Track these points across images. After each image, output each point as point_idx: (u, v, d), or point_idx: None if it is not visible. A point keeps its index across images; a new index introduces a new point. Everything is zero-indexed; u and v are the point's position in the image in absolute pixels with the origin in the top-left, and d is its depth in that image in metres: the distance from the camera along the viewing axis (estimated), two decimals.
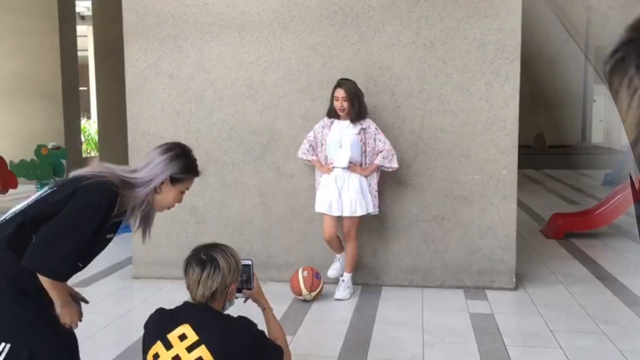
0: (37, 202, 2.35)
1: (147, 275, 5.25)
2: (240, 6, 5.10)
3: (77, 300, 2.57)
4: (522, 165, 15.06)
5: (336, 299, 4.72)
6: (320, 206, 4.73)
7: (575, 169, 14.42)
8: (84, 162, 14.40)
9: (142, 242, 2.58)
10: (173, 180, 2.43)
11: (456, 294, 4.86)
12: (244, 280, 2.63)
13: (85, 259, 2.32)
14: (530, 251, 6.21)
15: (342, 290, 4.78)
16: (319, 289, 4.68)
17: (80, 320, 2.53)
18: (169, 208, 2.52)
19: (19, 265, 2.22)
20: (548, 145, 16.62)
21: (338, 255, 4.84)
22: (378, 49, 4.98)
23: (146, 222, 2.49)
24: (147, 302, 4.64)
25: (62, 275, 2.27)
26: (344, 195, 4.65)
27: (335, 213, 4.65)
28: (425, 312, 4.45)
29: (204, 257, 2.34)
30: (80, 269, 2.33)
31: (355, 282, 4.98)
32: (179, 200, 2.52)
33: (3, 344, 2.25)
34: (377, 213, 4.81)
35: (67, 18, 12.36)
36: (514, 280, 4.97)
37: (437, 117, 4.96)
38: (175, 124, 5.27)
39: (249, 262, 2.62)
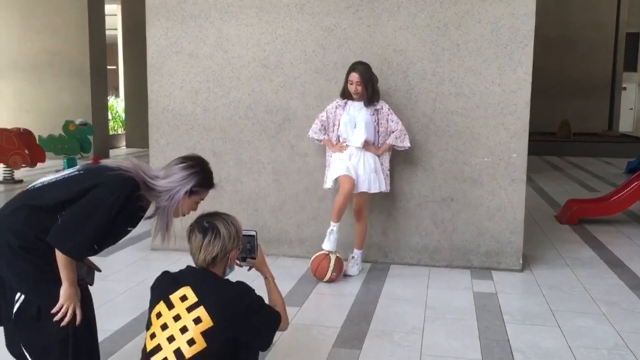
0: (66, 180, 2.56)
1: (165, 247, 5.43)
2: None
3: (91, 268, 2.76)
4: (545, 151, 14.94)
5: (345, 275, 4.85)
6: (338, 172, 4.70)
7: (600, 157, 14.31)
8: (110, 139, 14.71)
9: (161, 244, 2.76)
10: (189, 192, 2.61)
11: (463, 274, 4.97)
12: (248, 250, 2.76)
13: (101, 243, 2.53)
14: (541, 235, 6.27)
15: (352, 267, 4.91)
16: (329, 281, 4.74)
17: (91, 284, 2.73)
18: (183, 215, 2.72)
19: (32, 231, 2.43)
20: (573, 133, 16.44)
21: (333, 226, 4.69)
22: (393, 32, 5.06)
23: (166, 229, 2.68)
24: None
25: (80, 255, 2.49)
26: (359, 172, 4.73)
27: (354, 176, 4.67)
28: (430, 290, 4.56)
29: (206, 224, 2.49)
30: (95, 252, 2.54)
31: (364, 259, 5.11)
32: (194, 209, 2.73)
33: (18, 294, 2.45)
34: (388, 191, 4.91)
35: None
36: (521, 262, 5.05)
37: (449, 99, 5.03)
38: (194, 102, 5.43)
39: (253, 233, 2.75)
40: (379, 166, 4.84)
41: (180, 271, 2.53)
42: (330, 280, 4.69)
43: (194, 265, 2.56)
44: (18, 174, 9.61)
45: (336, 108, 4.88)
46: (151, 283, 2.56)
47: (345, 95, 4.84)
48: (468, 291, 4.55)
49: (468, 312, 4.11)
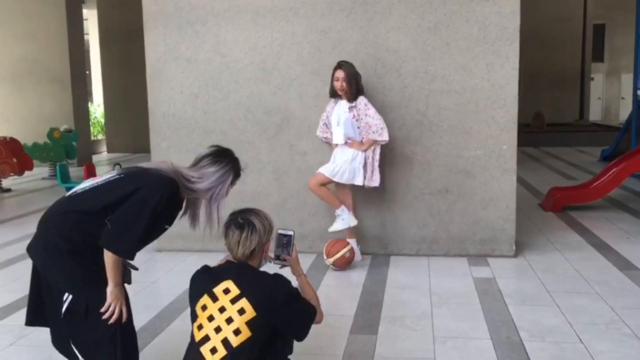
0: (109, 184, 2.71)
1: (170, 248, 5.58)
2: None
3: (128, 268, 2.91)
4: (521, 143, 15.33)
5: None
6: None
7: (574, 146, 14.76)
8: (92, 145, 14.68)
9: (210, 236, 2.93)
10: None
11: (460, 262, 5.21)
12: (284, 245, 2.92)
13: (145, 241, 2.70)
14: (529, 223, 6.56)
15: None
16: (338, 263, 5.01)
17: (129, 283, 2.88)
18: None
19: (80, 235, 2.59)
20: (547, 124, 16.89)
21: (338, 210, 5.05)
22: (385, 33, 5.27)
23: (214, 221, 2.86)
24: (171, 272, 4.98)
25: (132, 255, 2.67)
26: (330, 162, 5.03)
27: (321, 169, 5.04)
28: (432, 278, 4.79)
29: (241, 220, 2.66)
30: (139, 249, 2.72)
31: (365, 251, 5.32)
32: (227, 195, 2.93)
33: (66, 295, 2.60)
34: (376, 185, 5.04)
35: (74, 3, 12.58)
36: (514, 248, 5.32)
37: (441, 96, 5.27)
38: (194, 106, 5.57)
39: (291, 233, 2.91)
40: (360, 160, 4.94)
41: (220, 266, 2.71)
42: (342, 262, 4.92)
43: (210, 264, 2.73)
44: (5, 182, 9.61)
45: (332, 108, 5.08)
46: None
47: (333, 94, 5.03)
48: (468, 277, 4.79)
49: (471, 296, 4.35)
